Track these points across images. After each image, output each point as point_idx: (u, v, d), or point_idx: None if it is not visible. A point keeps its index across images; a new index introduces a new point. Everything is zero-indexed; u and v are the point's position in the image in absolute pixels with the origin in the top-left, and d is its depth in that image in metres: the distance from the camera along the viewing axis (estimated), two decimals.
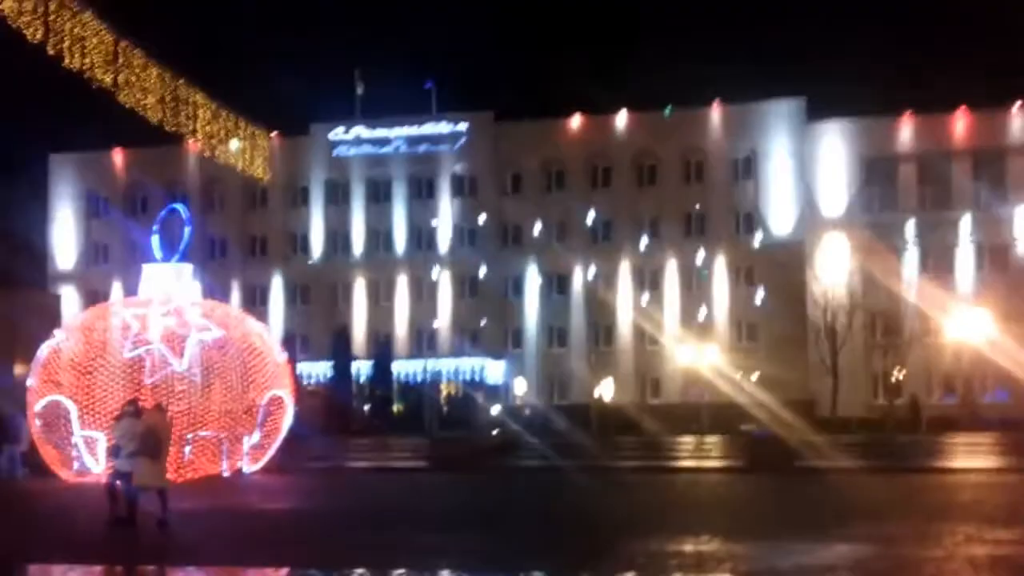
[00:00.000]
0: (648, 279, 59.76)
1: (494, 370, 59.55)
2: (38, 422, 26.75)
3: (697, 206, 59.09)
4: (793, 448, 29.17)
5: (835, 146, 58.26)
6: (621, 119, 61.03)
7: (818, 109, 57.56)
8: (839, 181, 57.95)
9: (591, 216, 60.21)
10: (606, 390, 55.90)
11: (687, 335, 56.44)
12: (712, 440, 37.85)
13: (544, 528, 17.59)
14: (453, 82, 63.30)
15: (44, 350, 27.65)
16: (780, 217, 58.24)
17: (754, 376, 52.50)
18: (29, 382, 27.56)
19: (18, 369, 34.43)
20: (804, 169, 58.11)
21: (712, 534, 16.07)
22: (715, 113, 59.82)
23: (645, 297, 59.17)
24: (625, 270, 60.02)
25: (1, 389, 32.66)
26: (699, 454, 34.37)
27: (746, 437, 31.93)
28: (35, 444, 27.45)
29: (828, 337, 52.69)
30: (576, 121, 61.44)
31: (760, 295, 57.09)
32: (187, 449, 26.10)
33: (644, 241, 59.69)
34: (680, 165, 60.27)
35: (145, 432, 17.72)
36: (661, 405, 54.78)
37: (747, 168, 59.41)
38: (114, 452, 18.61)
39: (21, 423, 28.28)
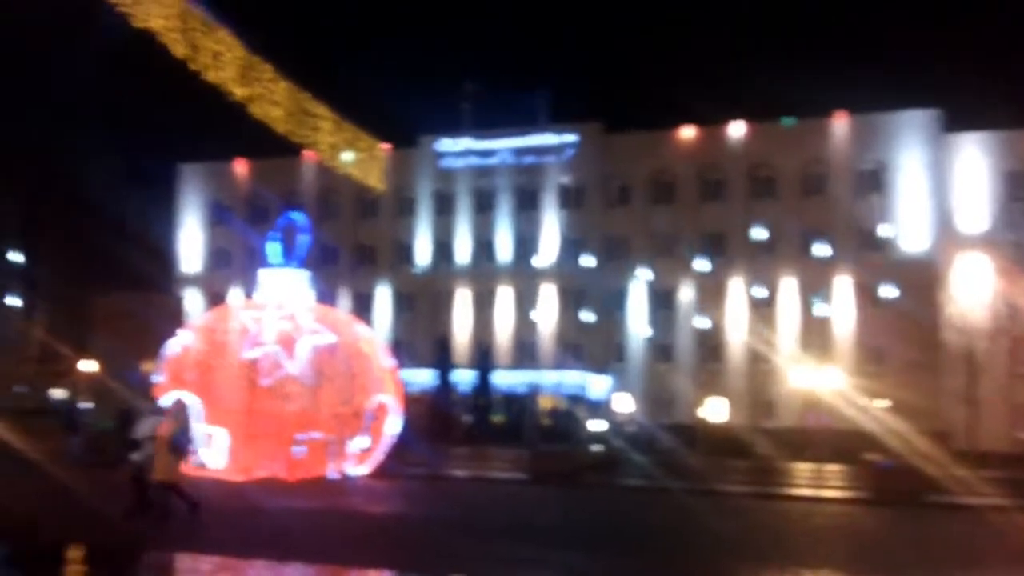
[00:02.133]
0: (761, 296, 57.94)
1: (597, 385, 59.03)
2: (162, 417, 27.65)
3: (817, 221, 56.76)
4: (925, 480, 26.77)
5: (975, 159, 55.16)
6: (736, 129, 59.63)
7: (955, 120, 54.67)
8: (979, 196, 54.89)
9: (702, 229, 59.04)
10: (714, 410, 54.46)
11: (805, 356, 54.04)
12: (832, 468, 35.50)
13: (647, 549, 17.25)
14: (561, 93, 63.38)
15: (170, 349, 28.69)
16: (911, 234, 55.41)
17: (881, 403, 49.28)
18: (156, 378, 28.69)
19: (146, 366, 35.74)
20: (939, 183, 55.13)
21: (831, 567, 15.34)
22: (839, 123, 57.66)
23: (758, 315, 57.38)
24: (737, 286, 58.56)
25: (131, 385, 33.95)
26: (817, 482, 31.73)
27: (871, 466, 29.03)
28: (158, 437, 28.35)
29: (965, 364, 49.34)
30: (688, 132, 60.51)
31: (888, 317, 54.16)
32: (297, 449, 26.77)
33: (758, 256, 58.12)
34: (799, 177, 58.16)
35: (165, 432, 18.62)
36: (774, 428, 52.08)
37: (873, 181, 56.80)
38: (134, 447, 19.42)
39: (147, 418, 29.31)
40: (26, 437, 27.97)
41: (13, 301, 43.46)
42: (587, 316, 60.25)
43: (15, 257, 43.35)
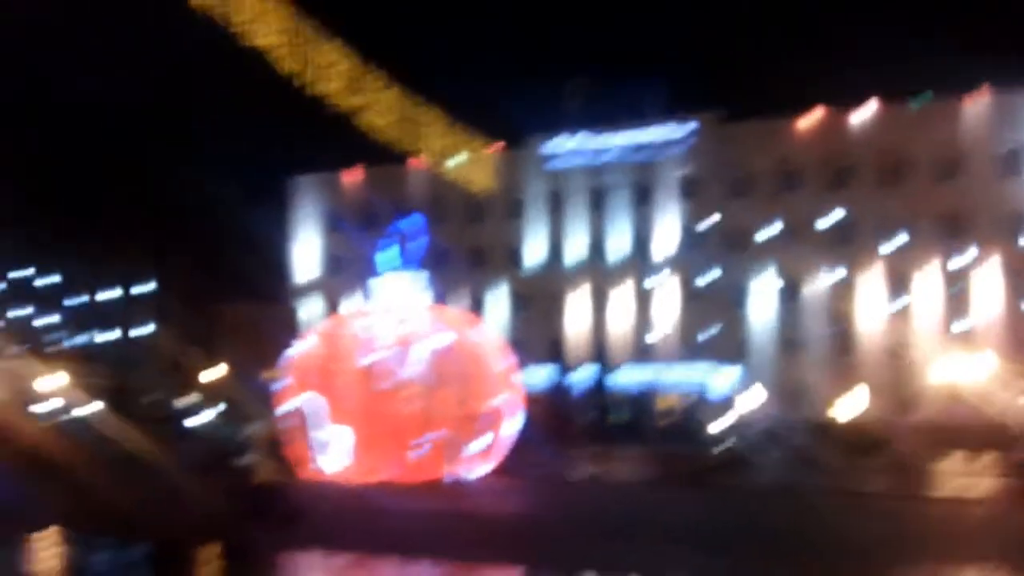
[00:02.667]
0: (896, 284, 55.72)
1: (721, 381, 58.29)
2: (287, 422, 28.71)
3: (956, 205, 53.46)
4: None
5: None
6: (864, 113, 58.12)
7: None
8: None
9: (830, 218, 57.60)
10: (848, 405, 53.07)
11: (949, 347, 51.49)
12: (979, 464, 34.01)
13: (780, 552, 17.00)
14: (675, 83, 62.22)
15: (290, 356, 29.71)
16: None
17: None
18: (277, 386, 29.73)
19: (268, 374, 36.94)
20: None
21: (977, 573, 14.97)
22: (978, 102, 54.81)
23: (894, 304, 55.05)
24: (870, 275, 56.88)
25: (253, 392, 35.22)
26: (962, 480, 30.21)
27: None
28: (283, 441, 29.47)
29: None
30: (812, 117, 59.19)
31: None
32: (417, 451, 27.37)
33: (891, 244, 56.52)
34: (934, 160, 54.88)
35: (268, 435, 19.45)
36: (916, 424, 48.53)
37: (1015, 163, 53.44)
38: (241, 451, 20.26)
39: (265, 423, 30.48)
40: (154, 445, 29.31)
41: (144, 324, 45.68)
42: (709, 311, 59.52)
43: (142, 288, 45.64)
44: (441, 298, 34.68)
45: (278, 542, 17.83)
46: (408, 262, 30.74)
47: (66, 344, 60.06)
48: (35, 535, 19.27)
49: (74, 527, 19.67)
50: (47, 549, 18.49)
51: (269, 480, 19.60)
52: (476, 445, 28.59)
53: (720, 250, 59.89)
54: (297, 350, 29.85)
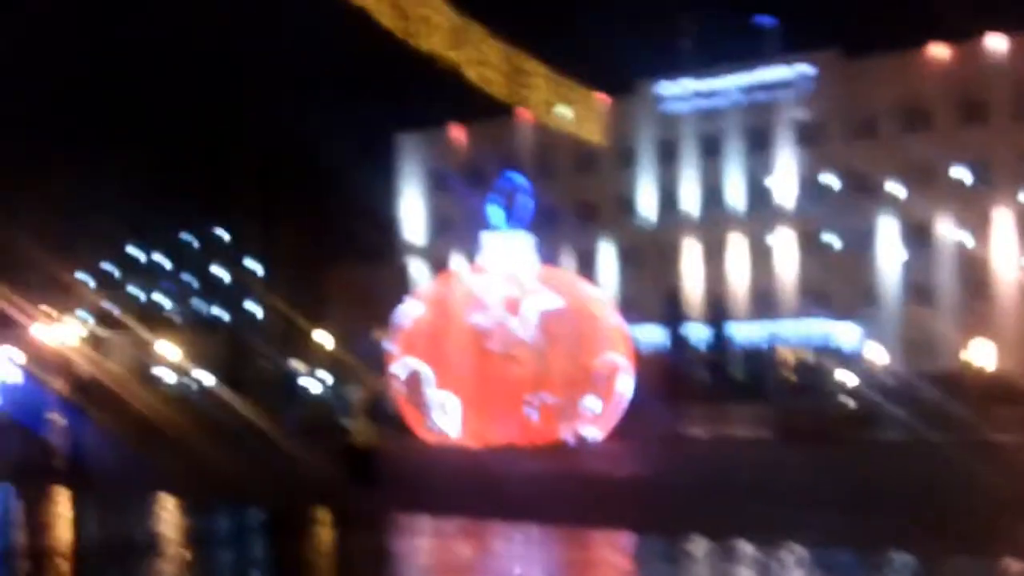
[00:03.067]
0: None
1: (845, 333, 56.56)
2: (399, 385, 28.85)
3: None
4: None
5: None
6: (995, 43, 55.25)
7: None
8: None
9: (961, 158, 55.14)
10: (982, 354, 51.11)
11: None
12: None
13: (914, 508, 16.22)
14: (789, 21, 59.78)
15: (399, 317, 29.80)
16: None
17: None
18: (387, 347, 29.91)
19: (377, 335, 37.24)
20: None
21: None
22: None
23: None
24: (1005, 217, 54.34)
25: (362, 355, 35.58)
26: None
27: None
28: (398, 404, 29.62)
29: None
30: (938, 51, 56.42)
31: None
32: (529, 412, 27.19)
33: None
34: None
35: (368, 398, 19.49)
36: None
37: None
38: (342, 415, 20.51)
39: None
40: (263, 411, 29.79)
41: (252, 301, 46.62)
42: (832, 259, 57.61)
43: (254, 255, 46.61)
44: (551, 255, 34.42)
45: (379, 506, 17.77)
46: (514, 221, 30.45)
47: (181, 314, 61.90)
48: (151, 499, 19.69)
49: (188, 493, 20.06)
50: (163, 513, 18.86)
51: (365, 443, 19.72)
52: (589, 405, 28.33)
53: (843, 196, 57.90)
54: (406, 312, 29.94)
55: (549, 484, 19.88)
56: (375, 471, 19.65)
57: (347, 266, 52.06)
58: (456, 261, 63.13)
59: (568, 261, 62.70)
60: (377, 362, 31.74)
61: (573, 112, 41.66)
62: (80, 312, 54.95)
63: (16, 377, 41.16)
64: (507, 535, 16.29)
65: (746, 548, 14.10)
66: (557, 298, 28.65)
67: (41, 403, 30.33)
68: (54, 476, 23.25)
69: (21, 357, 42.22)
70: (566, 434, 27.89)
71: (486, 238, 30.97)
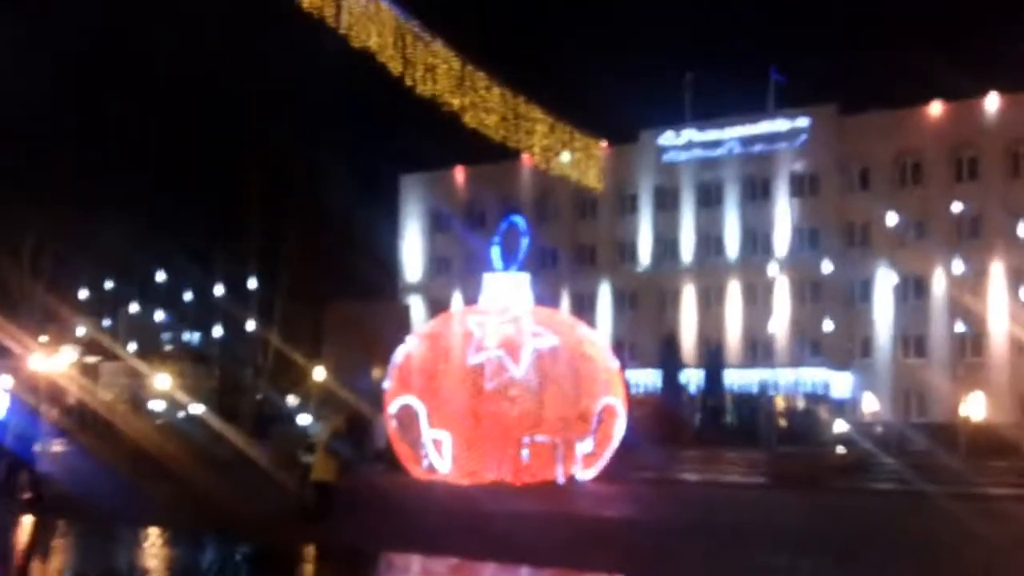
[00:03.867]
0: None
1: (839, 382, 56.53)
2: (393, 422, 28.78)
3: None
4: None
5: None
6: (990, 103, 55.61)
7: None
8: None
9: (955, 211, 55.38)
10: (975, 407, 51.00)
11: None
12: None
13: (907, 557, 16.15)
14: (789, 75, 60.72)
15: (397, 356, 29.75)
16: None
17: None
18: (384, 385, 29.87)
19: (376, 373, 37.23)
20: None
21: None
22: None
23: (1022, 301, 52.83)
24: (997, 270, 54.63)
25: (361, 391, 35.49)
26: None
27: None
28: (391, 442, 29.53)
29: None
30: (935, 109, 56.93)
31: None
32: (524, 452, 27.06)
33: (1019, 237, 53.97)
34: None
35: (327, 434, 19.91)
36: None
37: None
38: (308, 450, 20.40)
39: (378, 423, 30.67)
40: (254, 444, 29.63)
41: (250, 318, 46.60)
42: (827, 309, 57.73)
43: (252, 286, 46.68)
44: (549, 297, 34.55)
45: (378, 544, 17.61)
46: (512, 263, 30.59)
47: (176, 342, 61.75)
48: (142, 531, 19.46)
49: (175, 523, 19.85)
50: (153, 545, 18.62)
51: (321, 478, 19.66)
52: (583, 447, 28.23)
53: (838, 246, 58.17)
54: (402, 349, 29.91)
55: (541, 525, 19.73)
56: (329, 507, 19.56)
57: (346, 303, 52.17)
58: (455, 300, 63.24)
59: (566, 304, 62.76)
60: (375, 399, 31.68)
61: (573, 158, 42.01)
62: (72, 341, 54.81)
63: (4, 404, 40.88)
64: (498, 574, 16.13)
65: None
66: (554, 339, 28.62)
67: (31, 431, 30.12)
68: (40, 505, 23.01)
69: (11, 384, 42.01)
70: (559, 475, 27.76)
71: (486, 278, 31.06)
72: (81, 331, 54.91)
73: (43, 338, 48.79)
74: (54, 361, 46.74)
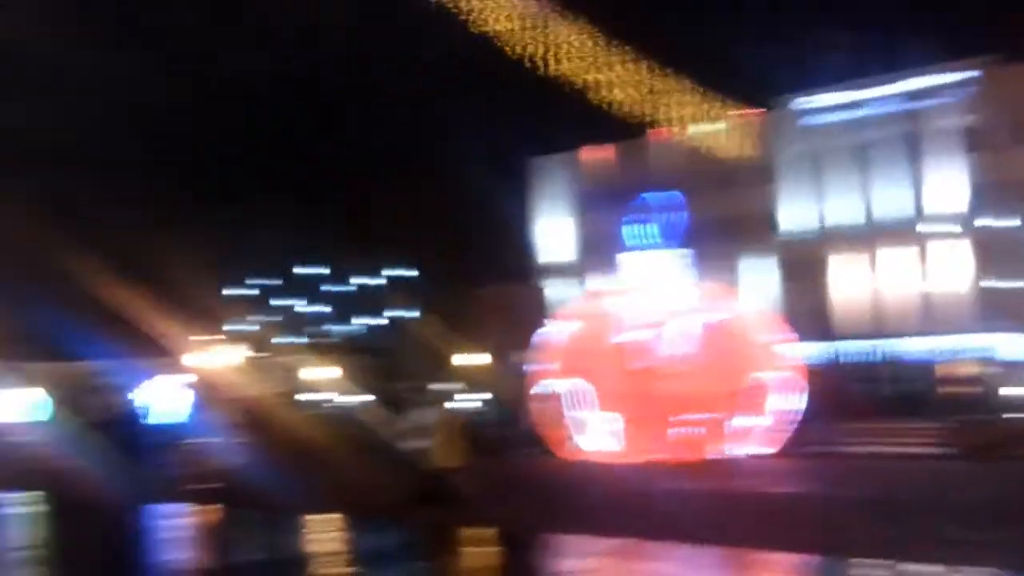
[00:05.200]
0: None
1: (1010, 345, 53.67)
2: (542, 403, 28.75)
3: None
4: None
5: None
6: None
7: None
8: None
9: None
10: None
11: None
12: None
13: None
14: (948, 25, 57.74)
15: (544, 337, 29.73)
16: None
17: None
18: (529, 367, 29.94)
19: (520, 355, 37.37)
20: None
21: None
22: None
23: None
24: None
25: (509, 374, 35.65)
26: None
27: None
28: (540, 424, 29.52)
29: None
30: None
31: None
32: (682, 430, 26.66)
33: None
34: None
35: (439, 421, 20.23)
36: None
37: None
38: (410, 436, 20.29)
39: (526, 405, 30.73)
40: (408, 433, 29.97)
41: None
42: (997, 271, 54.91)
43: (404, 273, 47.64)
44: (698, 273, 34.03)
45: (540, 525, 17.59)
46: (666, 238, 30.28)
47: (330, 333, 63.44)
48: (303, 518, 20.00)
49: (338, 511, 20.33)
50: (315, 531, 19.12)
51: (444, 464, 19.69)
52: (745, 422, 27.59)
53: (1009, 204, 55.28)
54: (549, 332, 29.92)
55: (706, 502, 19.32)
56: (447, 491, 19.61)
57: (492, 288, 52.65)
58: (599, 281, 62.84)
59: (715, 278, 61.57)
60: (522, 381, 31.78)
61: (715, 128, 41.22)
62: (234, 336, 56.86)
63: (180, 401, 42.82)
64: (663, 556, 15.87)
65: (922, 572, 13.31)
66: (706, 314, 28.17)
67: (200, 425, 31.41)
68: (214, 495, 23.91)
69: (183, 381, 43.97)
70: (721, 451, 27.23)
71: (630, 257, 30.76)
72: (241, 327, 56.99)
73: (206, 336, 50.82)
74: (217, 357, 48.62)
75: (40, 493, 26.72)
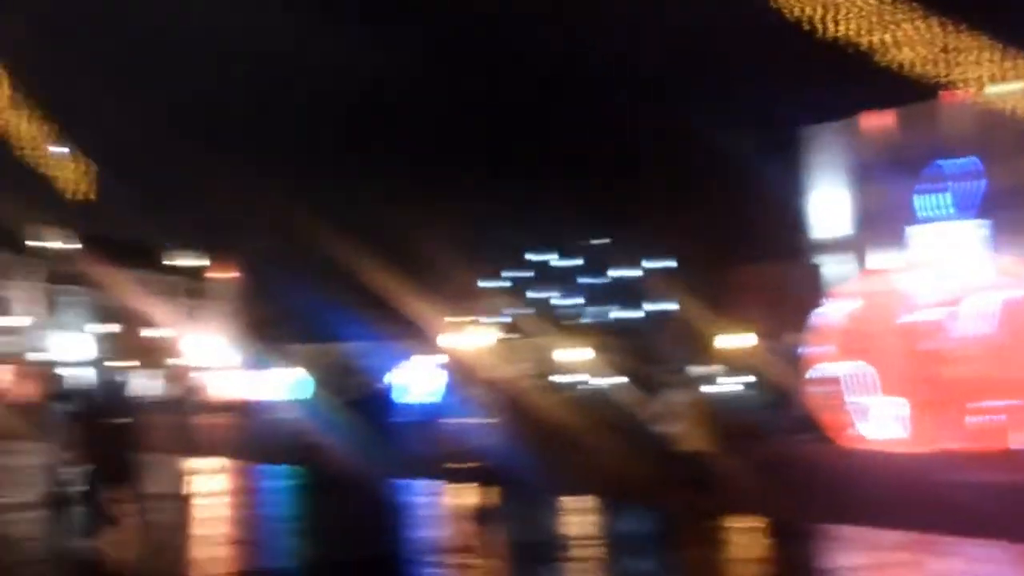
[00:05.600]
0: None
1: None
2: (818, 388, 27.80)
3: None
4: None
5: None
6: None
7: None
8: None
9: None
10: None
11: None
12: None
13: None
14: None
15: (818, 318, 28.79)
16: None
17: None
18: (803, 349, 29.03)
19: (791, 337, 36.51)
20: None
21: None
22: None
23: None
24: None
25: (779, 356, 34.76)
26: None
27: None
28: (815, 409, 28.56)
29: None
30: None
31: None
32: (978, 417, 25.13)
33: None
34: None
35: (693, 404, 20.09)
36: None
37: None
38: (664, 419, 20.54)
39: (798, 390, 29.82)
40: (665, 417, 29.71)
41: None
42: None
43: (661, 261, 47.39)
44: (997, 246, 31.97)
45: (813, 516, 16.93)
46: (961, 209, 28.65)
47: (587, 316, 64.12)
48: (558, 499, 20.18)
49: (593, 494, 20.40)
50: (572, 514, 19.25)
51: (695, 448, 19.52)
52: None
53: None
54: (827, 312, 28.95)
55: (997, 495, 17.99)
56: (704, 476, 19.05)
57: (757, 265, 51.52)
58: (881, 257, 60.11)
59: (1016, 251, 57.53)
60: (793, 364, 30.93)
61: (1017, 87, 38.63)
62: (487, 318, 58.45)
63: (435, 381, 44.45)
64: (960, 552, 14.92)
65: None
66: (1007, 291, 26.35)
67: (454, 406, 32.37)
68: (468, 475, 24.54)
69: (438, 362, 45.56)
70: (1019, 441, 25.34)
71: (919, 229, 29.36)
72: (495, 308, 58.56)
73: (460, 317, 52.51)
74: (471, 339, 50.10)
75: (301, 467, 28.33)
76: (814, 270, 60.30)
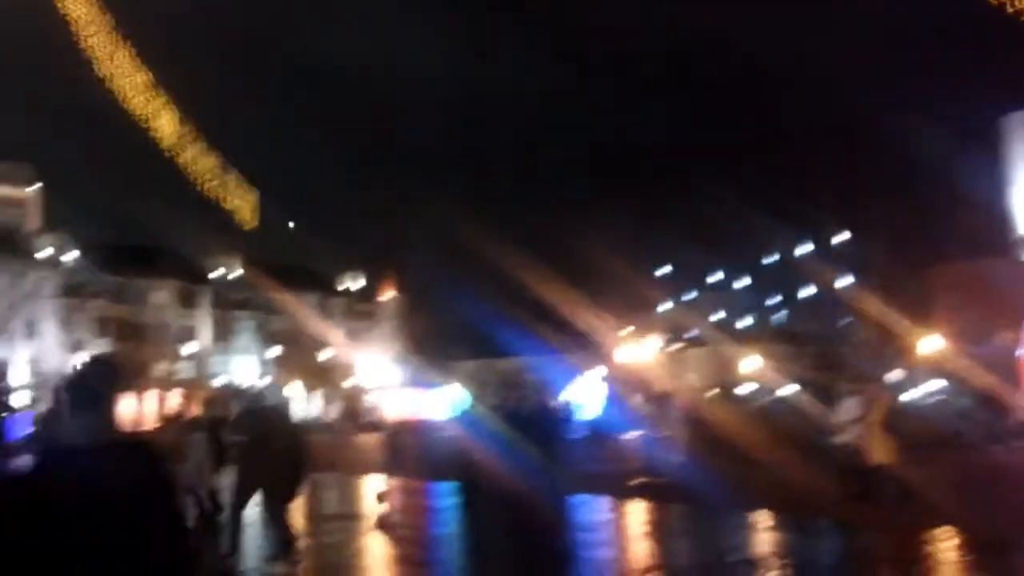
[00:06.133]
0: None
1: None
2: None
3: None
4: None
5: None
6: None
7: None
8: None
9: None
10: None
11: None
12: None
13: None
14: None
15: None
16: None
17: None
18: (1019, 352, 27.81)
19: (1003, 338, 34.95)
20: None
21: None
22: None
23: None
24: None
25: (986, 360, 33.33)
26: None
27: None
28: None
29: None
30: None
31: None
32: None
33: None
34: None
35: (874, 412, 19.18)
36: None
37: None
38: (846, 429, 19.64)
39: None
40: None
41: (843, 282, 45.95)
42: None
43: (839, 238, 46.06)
44: None
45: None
46: None
47: (761, 315, 62.85)
48: (737, 516, 19.73)
49: (767, 508, 19.85)
50: (759, 531, 18.80)
51: (879, 461, 18.73)
52: None
53: None
54: None
55: None
56: (890, 489, 18.38)
57: (958, 262, 49.50)
58: None
59: None
60: (1005, 368, 29.52)
61: None
62: (656, 327, 57.90)
63: (603, 395, 44.19)
64: None
65: None
66: None
67: (624, 420, 32.12)
68: (639, 490, 24.31)
69: (606, 376, 45.31)
70: None
71: None
72: (664, 311, 57.93)
73: (628, 328, 52.11)
74: (639, 350, 49.64)
75: (469, 484, 28.48)
76: (1019, 266, 57.35)
